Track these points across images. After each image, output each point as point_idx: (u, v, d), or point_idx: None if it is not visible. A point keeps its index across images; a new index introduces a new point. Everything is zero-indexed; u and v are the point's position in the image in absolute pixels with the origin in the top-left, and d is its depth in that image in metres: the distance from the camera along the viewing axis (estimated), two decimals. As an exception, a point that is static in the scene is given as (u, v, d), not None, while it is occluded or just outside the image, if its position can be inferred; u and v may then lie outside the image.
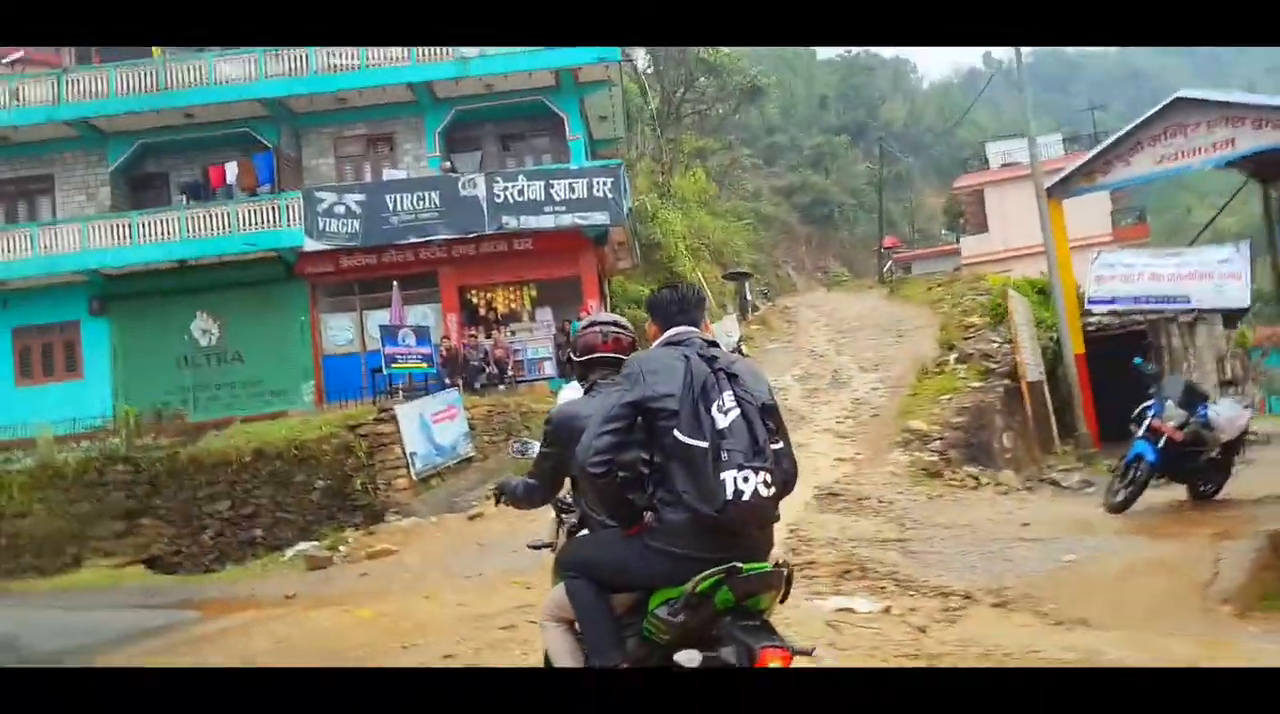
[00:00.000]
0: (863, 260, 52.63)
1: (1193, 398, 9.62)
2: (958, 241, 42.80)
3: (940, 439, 13.42)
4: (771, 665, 2.76)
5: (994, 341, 18.26)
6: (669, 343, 3.23)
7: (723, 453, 2.91)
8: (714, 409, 2.96)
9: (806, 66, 66.47)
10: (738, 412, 2.96)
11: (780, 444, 3.03)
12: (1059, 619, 6.55)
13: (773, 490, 2.96)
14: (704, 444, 2.92)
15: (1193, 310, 17.04)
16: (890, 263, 37.39)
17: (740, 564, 2.87)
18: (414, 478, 15.07)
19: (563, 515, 3.94)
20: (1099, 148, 17.32)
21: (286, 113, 22.08)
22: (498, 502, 4.06)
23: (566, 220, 20.19)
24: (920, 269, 37.38)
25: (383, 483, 15.00)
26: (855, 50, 66.01)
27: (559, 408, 3.75)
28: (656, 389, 3.01)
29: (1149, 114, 16.55)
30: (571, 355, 3.89)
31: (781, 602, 3.05)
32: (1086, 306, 17.58)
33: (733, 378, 3.03)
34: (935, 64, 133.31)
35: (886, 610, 6.94)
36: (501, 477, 5.31)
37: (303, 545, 13.60)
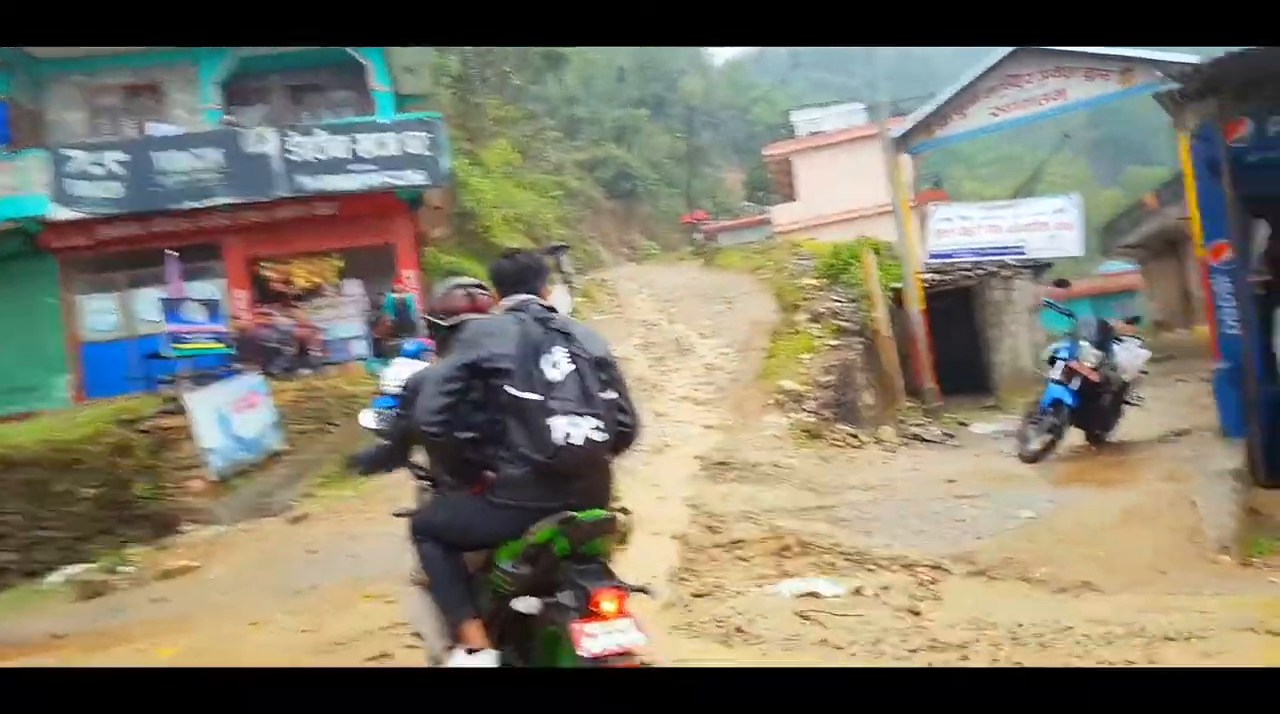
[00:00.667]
0: (666, 234, 52.38)
1: (1106, 338, 9.12)
2: (763, 212, 43.29)
3: (815, 399, 12.54)
4: (605, 605, 2.86)
5: (837, 301, 17.81)
6: (509, 309, 3.34)
7: (552, 403, 3.03)
8: (545, 364, 3.08)
9: (603, 38, 65.48)
10: (570, 366, 3.09)
11: (614, 394, 3.19)
12: (1060, 585, 5.58)
13: (605, 437, 3.11)
14: (536, 396, 3.04)
15: (1030, 260, 17.18)
16: (700, 234, 37.13)
17: (575, 513, 3.00)
18: (212, 478, 12.61)
19: (419, 480, 3.83)
20: (936, 101, 17.00)
21: (22, 57, 18.39)
22: (360, 472, 4.14)
23: (376, 181, 17.82)
24: (729, 240, 37.28)
25: (172, 486, 12.47)
26: None
27: (417, 372, 3.96)
28: (491, 350, 3.11)
29: (986, 66, 16.37)
30: (432, 319, 3.86)
31: (622, 543, 3.25)
32: (926, 261, 17.33)
33: (567, 336, 3.17)
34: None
35: (857, 592, 5.74)
36: (327, 468, 5.18)
37: (70, 569, 10.93)
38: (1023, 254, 16.79)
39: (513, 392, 3.02)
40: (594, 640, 2.79)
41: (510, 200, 33.35)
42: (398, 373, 5.45)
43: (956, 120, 16.87)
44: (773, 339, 16.63)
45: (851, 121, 36.02)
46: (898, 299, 17.59)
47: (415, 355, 6.70)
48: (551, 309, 3.31)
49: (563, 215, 43.76)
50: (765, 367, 14.75)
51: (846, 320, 16.41)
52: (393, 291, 17.52)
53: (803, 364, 14.04)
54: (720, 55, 76.89)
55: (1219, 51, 6.86)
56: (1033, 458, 8.95)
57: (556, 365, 3.06)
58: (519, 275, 3.39)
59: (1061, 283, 10.27)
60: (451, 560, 3.20)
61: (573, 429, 2.98)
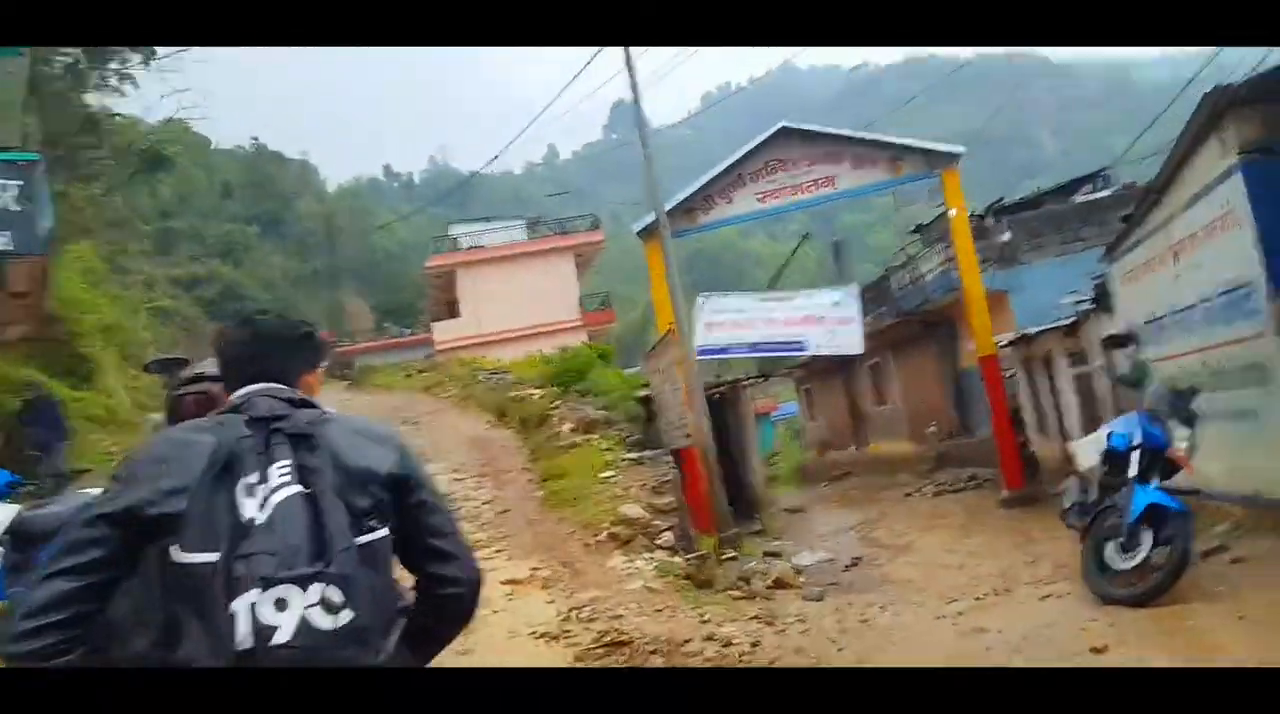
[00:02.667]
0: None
1: (1189, 409, 6.80)
2: (402, 334, 40.02)
3: (669, 528, 9.15)
4: None
5: (581, 409, 14.83)
6: (222, 413, 1.90)
7: (237, 565, 1.64)
8: (240, 496, 1.71)
9: (204, 151, 59.26)
10: (292, 491, 1.72)
11: (380, 532, 1.77)
12: None
13: (346, 618, 1.66)
14: (213, 557, 1.65)
15: (809, 356, 15.55)
16: (331, 359, 32.72)
17: None
18: None
19: None
20: (699, 183, 15.04)
21: None
22: None
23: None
24: (377, 362, 33.21)
25: None
26: (261, 140, 61.80)
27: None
28: (160, 486, 1.70)
29: (751, 145, 14.80)
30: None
31: None
32: (696, 356, 14.95)
33: (300, 441, 1.79)
34: (340, 170, 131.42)
35: None
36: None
37: None
38: (803, 350, 15.08)
39: (178, 557, 1.65)
40: None
41: (96, 309, 26.68)
42: None
43: (722, 205, 15.02)
44: (533, 457, 13.07)
45: (513, 237, 34.13)
46: (648, 409, 15.09)
47: None
48: (305, 403, 1.89)
49: (159, 337, 36.92)
50: (555, 492, 11.09)
51: (621, 428, 13.40)
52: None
53: (616, 485, 10.63)
54: (333, 180, 72.93)
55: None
56: (1136, 600, 6.33)
57: (257, 494, 1.70)
58: (252, 353, 1.96)
59: (1117, 341, 7.65)
60: None
61: (274, 615, 1.61)
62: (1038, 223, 18.65)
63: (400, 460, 1.85)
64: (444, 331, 32.55)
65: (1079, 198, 20.08)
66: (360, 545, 1.70)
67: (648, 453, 12.14)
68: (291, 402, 1.88)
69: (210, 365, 2.27)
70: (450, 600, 1.90)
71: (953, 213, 14.48)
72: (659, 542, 8.75)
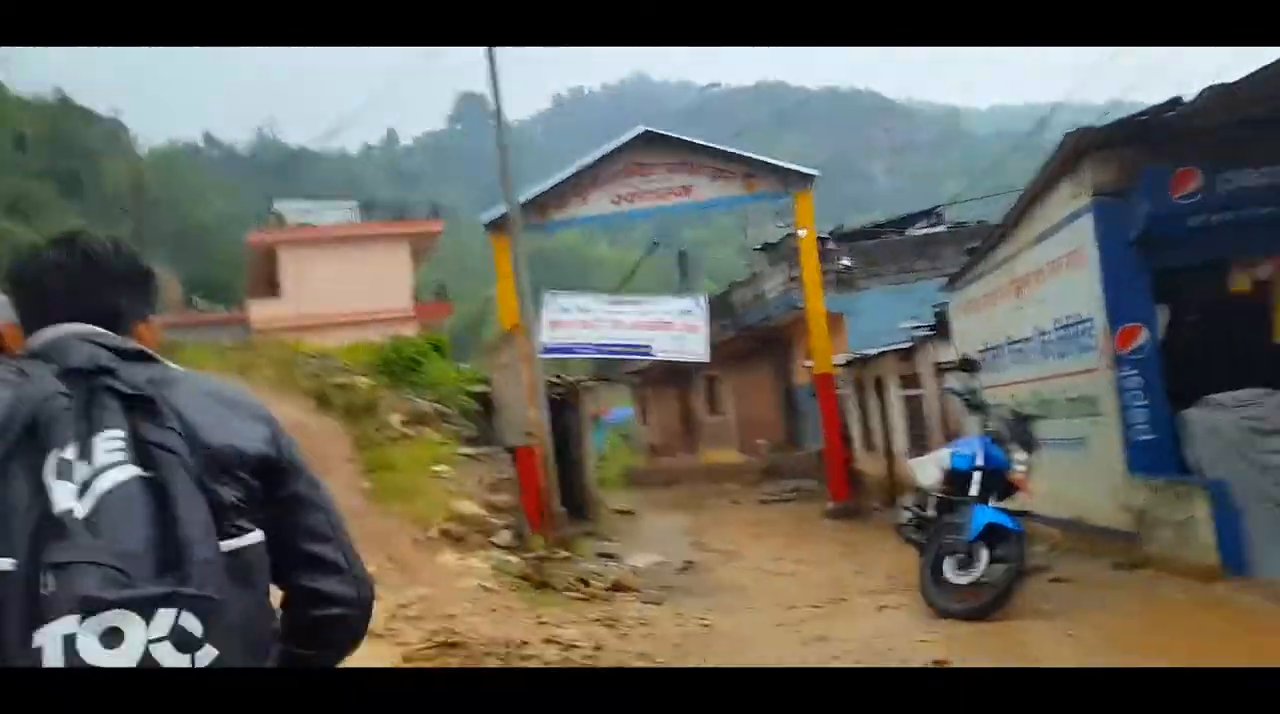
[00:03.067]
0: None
1: (1028, 433, 7.03)
2: (219, 311, 37.63)
3: (507, 526, 8.79)
4: None
5: (412, 400, 14.24)
6: (26, 358, 1.36)
7: (46, 578, 1.13)
8: (49, 474, 1.18)
9: (-1, 100, 54.17)
10: (127, 473, 1.20)
11: (254, 536, 1.27)
12: None
13: (214, 657, 1.18)
14: (6, 565, 1.15)
15: (653, 360, 15.52)
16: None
17: None
18: None
19: None
20: (552, 180, 14.76)
21: None
22: None
23: None
24: (185, 338, 30.92)
25: None
26: (68, 91, 56.84)
27: None
28: None
29: (612, 146, 14.66)
30: None
31: None
32: (540, 355, 14.65)
33: (139, 405, 1.26)
34: (154, 131, 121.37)
35: None
36: None
37: None
38: (650, 354, 15.02)
39: None
40: None
41: None
42: None
43: (576, 203, 14.77)
44: (358, 447, 12.37)
45: (346, 218, 32.58)
46: (484, 404, 14.72)
47: None
48: (141, 355, 1.35)
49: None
50: (383, 485, 10.49)
51: (458, 424, 12.90)
52: None
53: (450, 481, 10.17)
54: (146, 142, 67.74)
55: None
56: (971, 614, 6.47)
57: (75, 475, 1.17)
58: (74, 286, 1.41)
59: (968, 365, 7.80)
60: None
61: (96, 651, 1.11)
62: (876, 251, 19.49)
63: (273, 437, 1.39)
64: (262, 311, 30.59)
65: (913, 232, 21.15)
66: (227, 554, 1.23)
67: (484, 449, 11.73)
68: (121, 352, 1.36)
69: None
70: (332, 623, 1.46)
71: (802, 233, 14.83)
72: (494, 540, 8.39)
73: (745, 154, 15.00)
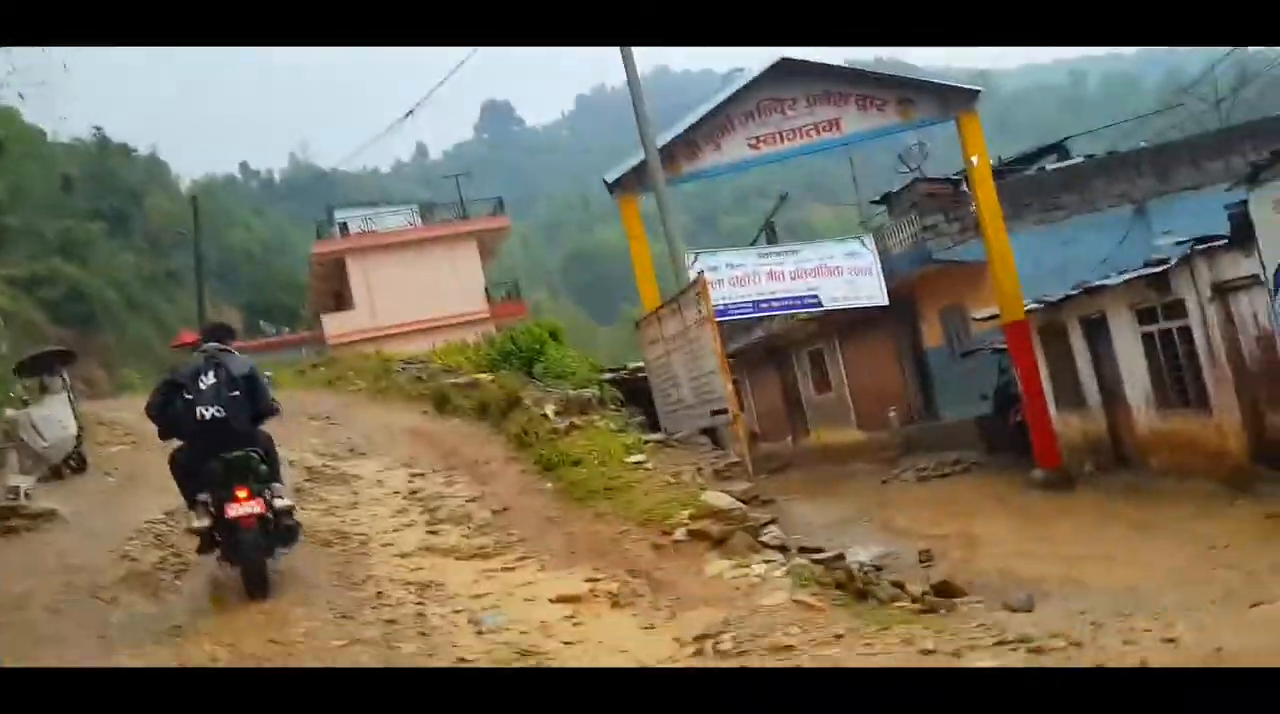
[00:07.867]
0: (138, 365, 42.02)
1: None
2: (281, 333, 36.63)
3: (773, 520, 6.99)
4: (238, 494, 6.14)
5: (555, 390, 12.56)
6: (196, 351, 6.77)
7: (201, 399, 6.34)
8: (199, 380, 6.36)
9: (38, 142, 53.49)
10: (212, 379, 6.36)
11: (237, 392, 6.40)
12: None
13: (221, 413, 6.31)
14: (191, 396, 6.33)
15: (824, 311, 13.79)
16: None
17: (223, 455, 6.20)
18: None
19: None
20: (680, 126, 12.94)
21: None
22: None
23: None
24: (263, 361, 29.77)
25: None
26: (108, 132, 56.59)
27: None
28: (180, 374, 6.48)
29: (741, 83, 12.83)
30: None
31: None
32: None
33: (217, 365, 6.45)
34: (193, 166, 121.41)
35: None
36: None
37: None
38: (818, 304, 13.22)
39: (184, 396, 6.51)
40: (231, 509, 6.04)
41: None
42: None
43: (709, 151, 12.99)
44: (520, 446, 10.72)
45: (407, 222, 31.07)
46: (631, 381, 13.06)
47: None
48: (225, 349, 6.75)
49: (-4, 346, 32.06)
50: (573, 483, 8.73)
51: (613, 409, 11.18)
52: None
53: (655, 471, 8.38)
54: (186, 177, 67.19)
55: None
56: None
57: (204, 382, 6.48)
58: (205, 335, 7.04)
59: None
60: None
61: (205, 412, 6.35)
62: (1020, 189, 17.44)
63: (250, 368, 6.67)
64: (336, 324, 29.25)
65: (1050, 166, 19.10)
66: (235, 396, 6.48)
67: (676, 435, 10.00)
68: (218, 351, 6.67)
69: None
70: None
71: (974, 160, 12.89)
72: (763, 539, 6.58)
73: (899, 75, 13.11)
